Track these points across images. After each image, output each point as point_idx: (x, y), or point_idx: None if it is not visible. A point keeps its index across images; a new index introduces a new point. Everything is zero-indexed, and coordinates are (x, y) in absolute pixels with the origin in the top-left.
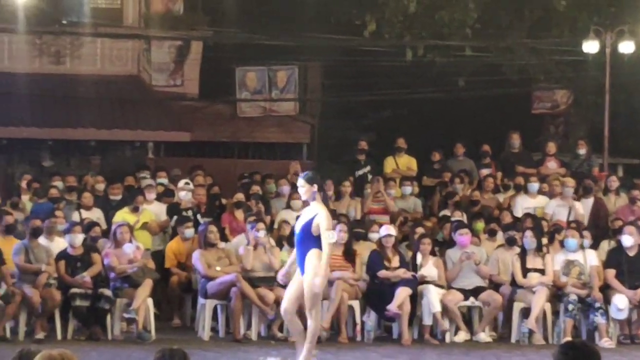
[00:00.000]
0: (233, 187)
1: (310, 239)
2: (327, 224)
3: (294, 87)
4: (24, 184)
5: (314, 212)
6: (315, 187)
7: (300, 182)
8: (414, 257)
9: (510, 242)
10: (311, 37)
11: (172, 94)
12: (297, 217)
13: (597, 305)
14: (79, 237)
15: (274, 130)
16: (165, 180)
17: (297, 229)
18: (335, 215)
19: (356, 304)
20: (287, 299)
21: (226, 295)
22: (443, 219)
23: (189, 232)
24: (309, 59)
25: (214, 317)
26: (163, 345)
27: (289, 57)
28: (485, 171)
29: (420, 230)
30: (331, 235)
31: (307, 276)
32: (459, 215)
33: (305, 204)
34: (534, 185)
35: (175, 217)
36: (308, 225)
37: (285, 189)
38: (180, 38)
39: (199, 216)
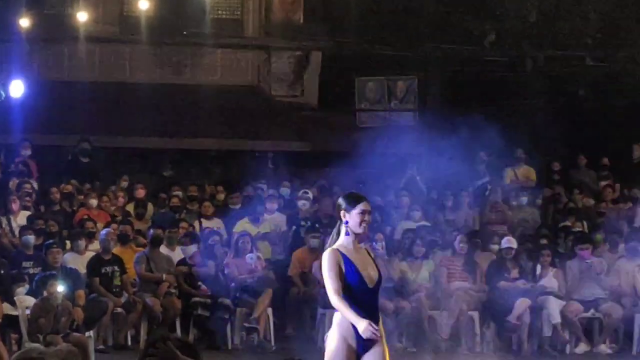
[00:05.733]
0: None
1: None
2: None
3: (413, 98)
4: (141, 194)
5: None
6: None
7: None
8: (533, 268)
9: (633, 253)
10: (430, 47)
11: (292, 104)
12: None
13: None
14: (191, 248)
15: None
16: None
17: None
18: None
19: (476, 315)
20: None
21: None
22: (563, 229)
23: (315, 242)
24: (428, 69)
25: None
26: (283, 355)
27: (409, 68)
28: (603, 182)
29: (539, 241)
30: None
31: None
32: (579, 226)
33: None
34: None
35: (294, 227)
36: None
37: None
38: (300, 48)
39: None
